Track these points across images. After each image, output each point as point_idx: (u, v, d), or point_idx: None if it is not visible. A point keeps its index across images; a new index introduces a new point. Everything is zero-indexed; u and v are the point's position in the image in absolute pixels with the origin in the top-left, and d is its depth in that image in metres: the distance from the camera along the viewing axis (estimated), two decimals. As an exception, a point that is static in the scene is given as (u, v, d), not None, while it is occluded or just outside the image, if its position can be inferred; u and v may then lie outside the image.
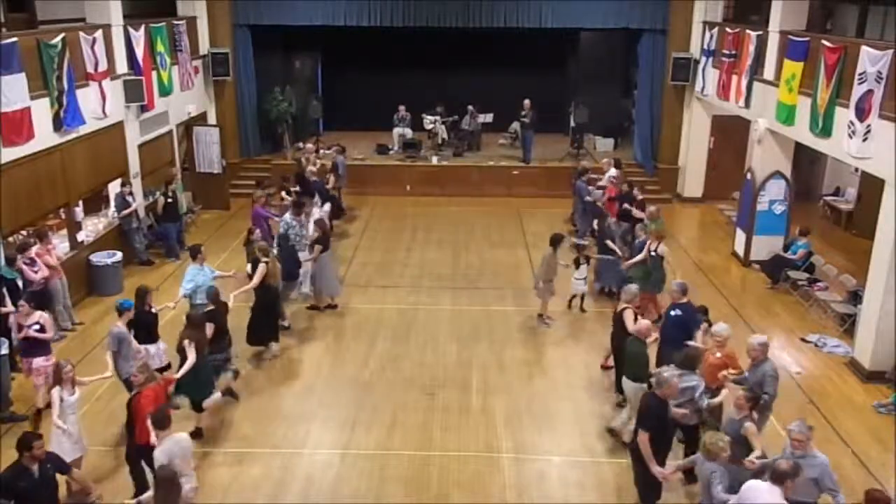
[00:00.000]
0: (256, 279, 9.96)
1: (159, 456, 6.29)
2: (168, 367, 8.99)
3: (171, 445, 6.40)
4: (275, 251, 12.12)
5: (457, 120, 19.29)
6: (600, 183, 14.97)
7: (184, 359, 8.15)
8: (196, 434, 8.30)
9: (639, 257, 11.14)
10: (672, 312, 8.90)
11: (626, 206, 13.45)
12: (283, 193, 13.92)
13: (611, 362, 9.81)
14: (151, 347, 8.89)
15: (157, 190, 14.31)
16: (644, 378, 7.90)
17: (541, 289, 11.27)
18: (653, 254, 10.97)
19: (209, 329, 8.74)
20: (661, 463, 6.81)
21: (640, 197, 13.57)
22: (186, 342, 8.13)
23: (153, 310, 9.09)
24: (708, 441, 6.20)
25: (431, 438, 8.66)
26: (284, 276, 11.04)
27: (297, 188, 14.98)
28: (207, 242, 14.30)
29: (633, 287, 9.14)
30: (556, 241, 11.23)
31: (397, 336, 11.15)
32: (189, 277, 9.86)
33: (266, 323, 10.28)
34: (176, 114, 15.68)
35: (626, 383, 8.24)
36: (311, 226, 12.06)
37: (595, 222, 13.22)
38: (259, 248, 10.31)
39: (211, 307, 9.08)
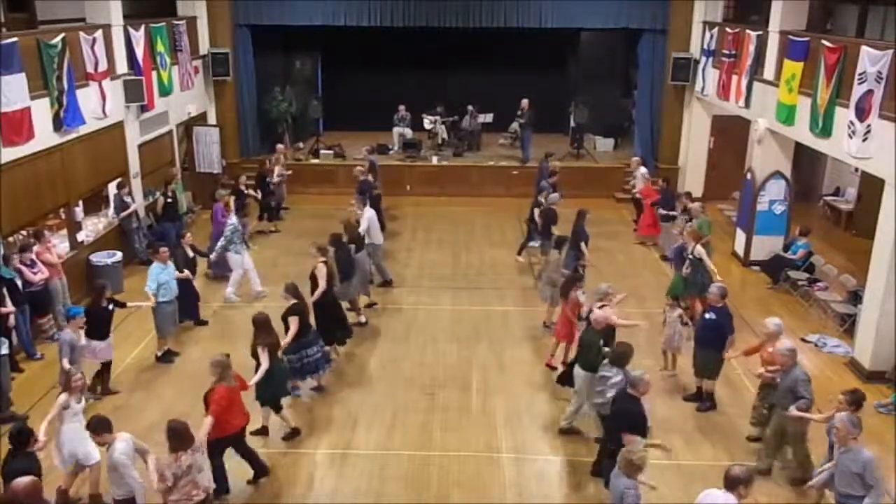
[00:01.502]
0: (323, 280, 9.86)
1: (119, 458, 6.24)
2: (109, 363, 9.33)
3: (125, 445, 6.37)
4: (212, 256, 12.14)
5: (457, 120, 19.29)
6: (632, 182, 14.97)
7: (258, 365, 8.13)
8: (294, 433, 8.53)
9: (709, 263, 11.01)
10: (707, 315, 9.03)
11: (663, 210, 13.54)
12: (231, 199, 13.74)
13: (554, 361, 10.00)
14: (101, 343, 9.03)
15: (157, 190, 14.32)
16: (595, 368, 7.99)
17: (546, 294, 11.17)
18: (690, 257, 10.92)
19: (294, 323, 8.81)
20: None
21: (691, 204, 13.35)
22: (260, 349, 8.08)
23: (109, 307, 9.19)
24: (634, 455, 5.88)
25: (431, 438, 8.66)
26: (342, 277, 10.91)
27: (257, 190, 15.01)
28: (206, 242, 14.31)
29: (603, 286, 9.15)
30: (559, 244, 11.21)
31: (397, 336, 11.15)
32: (153, 276, 9.94)
33: (335, 322, 10.21)
34: (176, 114, 15.68)
35: (577, 372, 8.33)
36: (365, 224, 12.12)
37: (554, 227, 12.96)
38: (318, 248, 10.23)
39: (294, 301, 9.02)
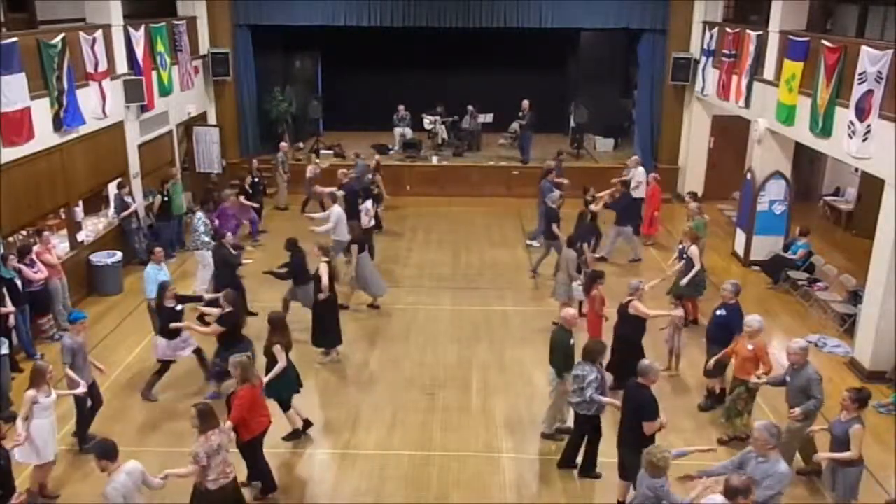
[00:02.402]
0: (326, 279, 9.88)
1: (111, 493, 5.77)
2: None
3: (124, 479, 5.88)
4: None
5: (457, 120, 19.30)
6: (625, 178, 14.96)
7: (272, 362, 8.15)
8: (297, 434, 8.49)
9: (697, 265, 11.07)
10: (718, 312, 9.04)
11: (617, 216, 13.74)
12: (243, 198, 14.16)
13: None
14: (171, 341, 9.10)
15: (155, 190, 14.27)
16: (565, 367, 8.13)
17: (562, 293, 11.07)
18: (685, 256, 10.96)
19: (214, 328, 8.86)
20: (651, 442, 6.96)
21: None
22: (277, 347, 8.11)
23: (178, 307, 9.22)
24: (654, 457, 5.94)
25: (431, 438, 8.66)
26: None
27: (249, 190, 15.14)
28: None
29: (635, 281, 9.29)
30: (572, 243, 11.25)
31: (397, 336, 11.15)
32: (151, 279, 9.92)
33: (332, 325, 10.22)
34: (176, 114, 15.68)
35: (551, 371, 8.38)
36: (332, 222, 12.37)
37: (555, 226, 12.92)
38: (321, 249, 10.26)
39: (229, 309, 8.99)
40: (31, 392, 7.14)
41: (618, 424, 7.38)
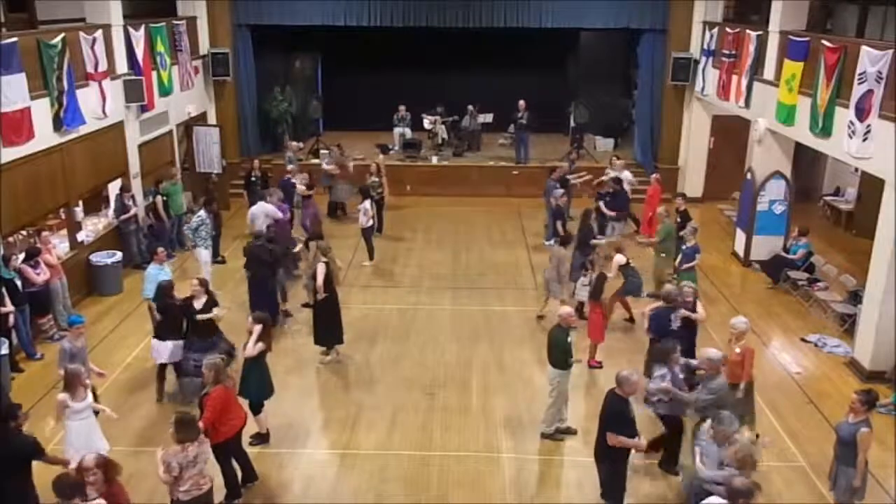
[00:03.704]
0: (320, 279, 9.88)
1: None
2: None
3: None
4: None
5: (457, 120, 19.30)
6: (613, 175, 14.99)
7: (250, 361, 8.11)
8: (263, 438, 8.40)
9: (693, 262, 11.20)
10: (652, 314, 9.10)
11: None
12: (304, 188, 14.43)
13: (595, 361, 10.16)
14: (167, 345, 8.98)
15: (154, 190, 14.22)
16: (563, 365, 8.20)
17: (556, 290, 11.16)
18: (685, 252, 11.20)
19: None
20: (625, 459, 7.02)
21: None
22: (260, 344, 8.06)
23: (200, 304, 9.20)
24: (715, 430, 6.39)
25: (431, 438, 8.66)
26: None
27: (248, 190, 15.26)
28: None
29: (669, 286, 9.39)
30: (565, 242, 11.32)
31: (397, 336, 11.15)
32: (150, 279, 9.88)
33: (332, 324, 10.22)
34: (176, 114, 15.68)
35: (549, 370, 8.39)
36: (362, 218, 12.86)
37: (559, 224, 13.15)
38: (320, 249, 10.28)
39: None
40: (62, 396, 7.11)
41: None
